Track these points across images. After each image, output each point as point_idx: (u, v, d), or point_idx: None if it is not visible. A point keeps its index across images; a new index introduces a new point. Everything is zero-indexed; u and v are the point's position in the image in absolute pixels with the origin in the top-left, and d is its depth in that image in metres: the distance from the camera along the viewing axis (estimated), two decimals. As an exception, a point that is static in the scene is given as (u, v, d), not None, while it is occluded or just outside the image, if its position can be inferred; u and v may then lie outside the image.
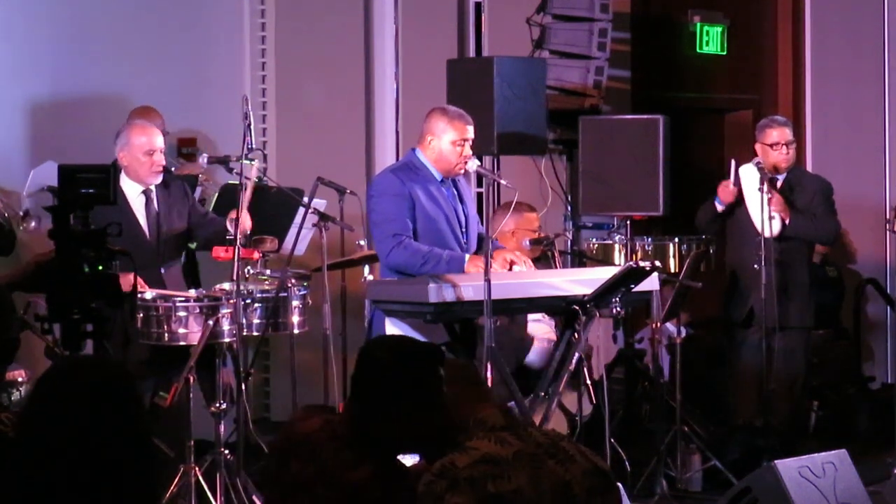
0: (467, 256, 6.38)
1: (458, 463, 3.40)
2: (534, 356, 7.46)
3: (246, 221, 6.59)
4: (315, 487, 3.38)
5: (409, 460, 3.69)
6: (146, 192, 6.83)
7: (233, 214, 6.56)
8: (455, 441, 3.48)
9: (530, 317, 7.57)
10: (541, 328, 7.74)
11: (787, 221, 7.78)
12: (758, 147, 8.01)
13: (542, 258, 7.92)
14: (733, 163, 7.93)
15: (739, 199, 7.96)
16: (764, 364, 7.59)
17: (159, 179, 6.85)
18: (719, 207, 7.97)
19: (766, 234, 7.53)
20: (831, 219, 8.06)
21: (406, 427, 3.44)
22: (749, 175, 7.80)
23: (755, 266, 7.57)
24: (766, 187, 7.53)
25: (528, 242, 7.74)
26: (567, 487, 3.47)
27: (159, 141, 6.85)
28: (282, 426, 3.79)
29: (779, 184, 7.95)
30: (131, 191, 6.80)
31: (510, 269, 6.40)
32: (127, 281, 5.77)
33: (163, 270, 6.81)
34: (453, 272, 6.23)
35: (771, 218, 7.60)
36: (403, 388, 3.43)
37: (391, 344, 3.65)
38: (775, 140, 7.93)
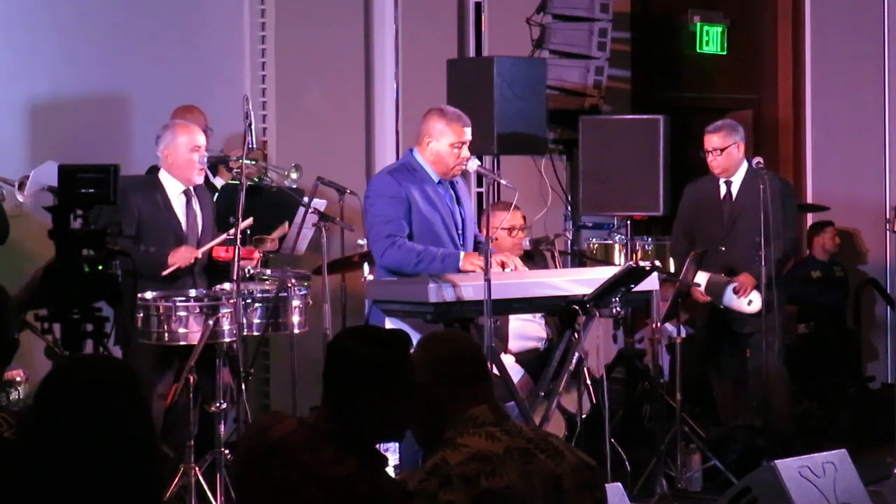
0: (462, 254, 6.36)
1: (451, 460, 3.41)
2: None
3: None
4: (302, 488, 3.34)
5: (391, 457, 3.68)
6: (186, 192, 6.83)
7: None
8: (440, 429, 3.48)
9: (522, 316, 7.56)
10: (532, 327, 7.74)
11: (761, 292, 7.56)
12: None
13: (538, 257, 7.92)
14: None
15: (697, 223, 7.99)
16: (765, 364, 7.57)
17: (201, 179, 6.87)
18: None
19: (746, 309, 7.67)
20: (789, 230, 7.90)
21: (384, 415, 3.43)
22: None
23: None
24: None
25: (527, 242, 7.74)
26: (558, 481, 3.49)
27: (202, 139, 6.86)
28: (250, 434, 3.72)
29: (735, 188, 7.86)
30: (172, 189, 6.81)
31: (503, 270, 6.39)
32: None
33: (196, 271, 6.81)
34: (448, 270, 6.22)
35: (749, 303, 7.67)
36: (378, 377, 3.41)
37: (360, 334, 3.62)
38: (705, 147, 7.89)
